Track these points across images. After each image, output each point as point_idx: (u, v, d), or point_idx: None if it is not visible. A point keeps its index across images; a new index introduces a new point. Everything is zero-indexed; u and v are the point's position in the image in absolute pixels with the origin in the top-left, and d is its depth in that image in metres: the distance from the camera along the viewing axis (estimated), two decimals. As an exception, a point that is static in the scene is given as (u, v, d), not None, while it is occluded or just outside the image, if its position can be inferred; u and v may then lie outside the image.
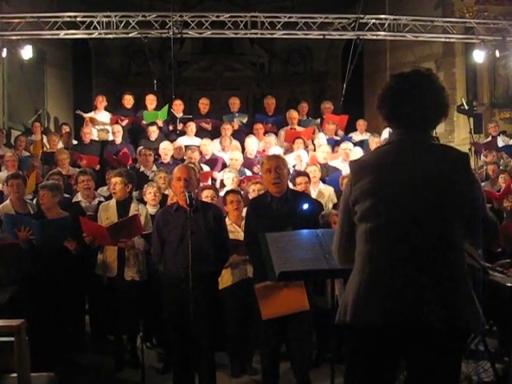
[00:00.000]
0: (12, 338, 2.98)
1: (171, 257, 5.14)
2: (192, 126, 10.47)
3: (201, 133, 10.63)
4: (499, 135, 11.38)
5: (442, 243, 2.62)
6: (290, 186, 6.50)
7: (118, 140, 10.33)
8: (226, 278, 5.94)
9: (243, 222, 6.09)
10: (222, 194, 7.31)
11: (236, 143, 10.14)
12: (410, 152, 2.69)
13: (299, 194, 5.58)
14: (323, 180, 8.31)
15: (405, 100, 2.72)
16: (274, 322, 4.82)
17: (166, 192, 7.19)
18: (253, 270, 5.31)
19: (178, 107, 11.33)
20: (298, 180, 6.99)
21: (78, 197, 7.19)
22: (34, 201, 7.26)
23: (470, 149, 11.51)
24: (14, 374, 3.05)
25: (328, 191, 7.85)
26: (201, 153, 9.44)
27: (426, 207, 2.60)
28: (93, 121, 11.21)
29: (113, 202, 6.29)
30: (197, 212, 5.07)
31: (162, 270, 5.27)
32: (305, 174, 7.32)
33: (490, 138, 11.46)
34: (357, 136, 11.03)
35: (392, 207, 2.61)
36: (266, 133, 10.42)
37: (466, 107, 12.00)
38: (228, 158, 9.33)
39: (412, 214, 2.60)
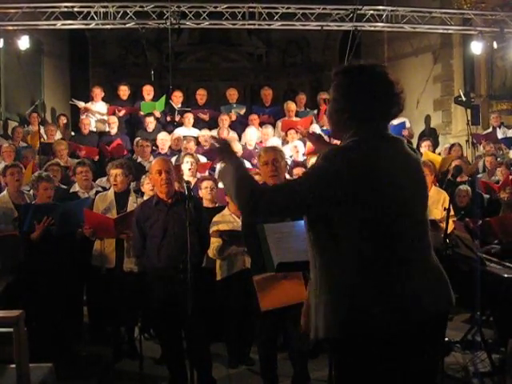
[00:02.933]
0: (11, 329, 2.98)
1: (155, 251, 5.12)
2: (189, 117, 10.47)
3: (198, 123, 10.63)
4: (499, 126, 11.41)
5: (424, 232, 2.69)
6: (287, 177, 6.51)
7: (114, 131, 10.34)
8: (224, 269, 5.96)
9: (243, 212, 6.11)
10: (220, 184, 7.31)
11: (234, 134, 10.14)
12: (392, 147, 2.67)
13: (297, 184, 5.56)
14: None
15: (374, 92, 2.66)
16: (272, 312, 4.83)
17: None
18: (251, 262, 5.30)
19: (177, 99, 11.33)
20: (296, 171, 6.99)
21: (76, 187, 7.19)
22: (31, 192, 7.26)
23: (467, 140, 11.52)
24: (13, 365, 3.06)
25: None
26: (198, 143, 9.45)
27: (419, 202, 2.68)
28: (88, 110, 11.19)
29: (110, 193, 6.27)
30: (178, 204, 5.07)
31: (145, 264, 5.27)
32: (302, 164, 7.31)
33: (490, 129, 11.48)
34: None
35: (399, 207, 2.56)
36: (262, 124, 10.43)
37: (464, 99, 12.00)
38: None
39: (412, 210, 2.62)
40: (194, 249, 4.99)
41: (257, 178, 6.43)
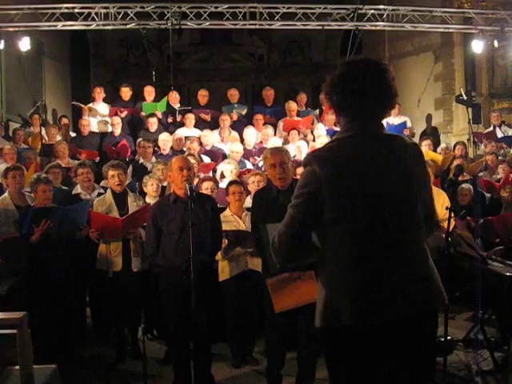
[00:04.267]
0: (14, 331, 2.98)
1: (172, 248, 5.12)
2: (191, 118, 10.47)
3: (200, 124, 10.64)
4: (500, 125, 11.40)
5: (412, 231, 2.68)
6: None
7: (117, 132, 10.34)
8: (226, 270, 5.96)
9: (244, 213, 6.11)
10: (221, 185, 7.33)
11: (235, 134, 10.14)
12: (374, 147, 2.65)
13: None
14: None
15: (362, 88, 2.64)
16: (284, 311, 4.84)
17: (165, 184, 7.20)
18: (262, 263, 5.23)
19: (175, 99, 11.33)
20: (299, 171, 6.99)
21: (78, 189, 7.18)
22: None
23: (468, 139, 11.53)
24: (17, 367, 3.06)
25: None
26: (201, 144, 9.45)
27: (399, 203, 2.63)
28: (91, 110, 11.20)
29: (108, 195, 6.23)
30: (196, 203, 5.07)
31: (160, 262, 5.27)
32: (305, 164, 7.30)
33: (491, 128, 11.48)
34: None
35: (372, 208, 2.58)
36: (265, 124, 10.43)
37: (465, 97, 12.01)
38: (228, 150, 9.34)
39: (388, 210, 2.61)
40: (207, 248, 5.15)
41: (257, 178, 6.50)
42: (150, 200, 6.59)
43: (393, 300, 2.56)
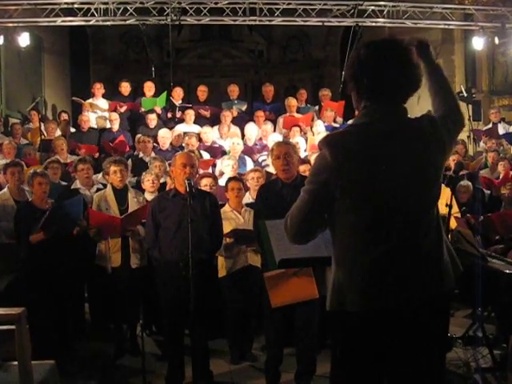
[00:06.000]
0: (13, 326, 2.98)
1: (167, 243, 5.15)
2: (191, 114, 10.45)
3: (199, 120, 10.62)
4: (500, 122, 11.37)
5: (426, 217, 2.63)
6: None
7: (115, 127, 10.31)
8: (226, 266, 5.95)
9: (243, 208, 6.10)
10: (220, 181, 7.31)
11: (235, 130, 10.12)
12: (391, 134, 2.55)
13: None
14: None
15: (385, 71, 2.55)
16: (282, 307, 4.83)
17: (162, 180, 7.19)
18: (262, 260, 5.23)
19: (178, 95, 11.31)
20: (302, 168, 6.97)
21: (77, 184, 7.17)
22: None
23: (468, 136, 11.51)
24: (15, 362, 3.06)
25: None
26: (200, 140, 9.44)
27: (412, 190, 2.56)
28: (92, 105, 11.18)
29: (109, 191, 6.22)
30: (194, 199, 5.07)
31: (157, 256, 5.28)
32: (308, 161, 7.29)
33: (490, 125, 11.45)
34: (356, 123, 11.00)
35: (383, 196, 2.53)
36: (264, 120, 10.41)
37: (465, 94, 11.99)
38: (228, 146, 9.33)
39: (402, 199, 2.55)
40: (204, 245, 5.13)
41: (257, 174, 6.49)
42: (148, 196, 6.57)
43: (402, 286, 2.53)
